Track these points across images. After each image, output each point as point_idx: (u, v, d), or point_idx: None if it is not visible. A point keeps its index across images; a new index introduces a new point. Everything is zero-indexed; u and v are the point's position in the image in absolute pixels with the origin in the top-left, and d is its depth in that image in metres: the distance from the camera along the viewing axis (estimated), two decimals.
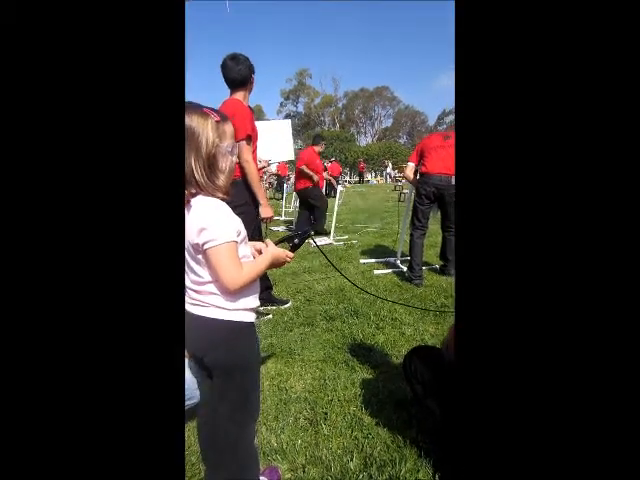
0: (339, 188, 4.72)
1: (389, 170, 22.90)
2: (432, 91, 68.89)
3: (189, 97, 0.76)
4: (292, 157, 5.07)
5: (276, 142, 4.41)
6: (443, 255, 3.14)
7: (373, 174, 26.56)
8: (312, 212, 5.16)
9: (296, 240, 1.02)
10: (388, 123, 43.97)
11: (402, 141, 41.20)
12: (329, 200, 5.74)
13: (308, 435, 1.29)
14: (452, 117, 41.26)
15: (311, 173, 4.80)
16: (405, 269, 3.11)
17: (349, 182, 21.11)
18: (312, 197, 4.93)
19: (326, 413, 1.40)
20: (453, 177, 2.78)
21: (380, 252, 4.04)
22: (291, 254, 0.99)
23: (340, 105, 43.87)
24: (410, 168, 3.03)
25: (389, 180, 21.53)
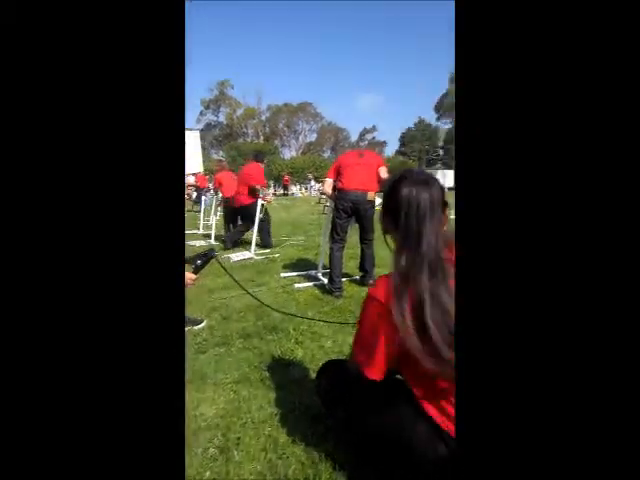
0: (259, 202, 4.68)
1: (312, 183, 23.41)
2: (354, 110, 72.91)
3: None
4: (201, 169, 5.00)
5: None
6: (362, 266, 3.27)
7: (298, 187, 26.93)
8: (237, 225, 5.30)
9: (198, 262, 0.98)
10: (312, 138, 45.22)
11: (326, 155, 42.54)
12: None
13: (218, 465, 1.21)
14: (372, 135, 43.91)
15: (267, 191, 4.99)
16: (326, 281, 3.17)
17: (275, 194, 21.10)
18: (261, 212, 5.00)
19: (239, 438, 1.33)
20: (368, 193, 2.93)
21: (302, 265, 4.07)
22: (193, 276, 0.94)
23: (264, 118, 43.97)
24: (328, 184, 3.14)
25: (313, 193, 21.99)
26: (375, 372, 0.90)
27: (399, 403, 0.92)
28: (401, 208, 0.88)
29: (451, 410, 0.86)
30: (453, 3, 0.59)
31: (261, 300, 1.75)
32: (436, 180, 0.93)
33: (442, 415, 0.86)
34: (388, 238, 0.98)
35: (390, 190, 0.94)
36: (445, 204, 0.92)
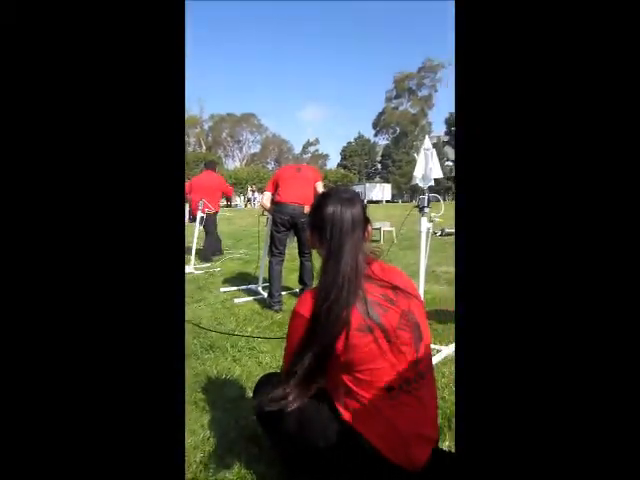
0: (199, 214, 4.53)
1: (255, 195, 23.22)
2: (296, 123, 73.99)
3: None
4: None
5: None
6: (301, 279, 3.29)
7: (242, 198, 26.51)
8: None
9: None
10: (256, 149, 44.85)
11: (270, 167, 42.42)
12: (189, 226, 5.57)
13: None
14: (315, 147, 44.71)
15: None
16: (266, 295, 3.14)
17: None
18: (212, 222, 4.89)
19: None
20: (305, 206, 2.98)
21: (242, 279, 4.00)
22: None
23: (206, 127, 42.89)
24: (267, 197, 3.15)
25: (256, 205, 21.78)
26: None
27: (320, 409, 0.94)
28: (326, 225, 0.92)
29: (352, 404, 0.91)
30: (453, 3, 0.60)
31: (193, 322, 1.68)
32: (359, 198, 0.98)
33: (348, 412, 0.92)
34: (318, 252, 1.02)
35: (316, 207, 0.98)
36: (367, 220, 0.98)
